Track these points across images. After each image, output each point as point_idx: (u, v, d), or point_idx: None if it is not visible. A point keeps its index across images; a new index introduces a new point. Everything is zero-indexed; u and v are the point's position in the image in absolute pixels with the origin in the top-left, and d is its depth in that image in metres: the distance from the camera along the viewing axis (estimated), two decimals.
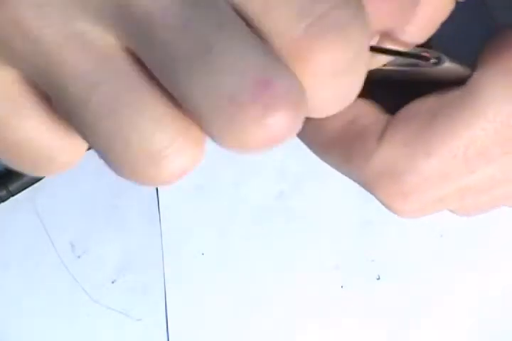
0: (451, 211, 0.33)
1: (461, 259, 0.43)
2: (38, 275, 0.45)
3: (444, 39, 0.29)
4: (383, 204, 0.31)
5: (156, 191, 0.45)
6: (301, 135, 0.32)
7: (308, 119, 0.31)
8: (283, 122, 0.20)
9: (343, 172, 0.32)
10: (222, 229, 0.44)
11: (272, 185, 0.44)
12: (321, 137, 0.31)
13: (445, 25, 0.28)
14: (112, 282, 0.45)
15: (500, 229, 0.43)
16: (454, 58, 0.28)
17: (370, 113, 0.31)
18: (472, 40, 0.34)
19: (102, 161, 0.46)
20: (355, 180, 0.31)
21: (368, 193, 0.43)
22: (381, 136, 0.30)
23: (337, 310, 0.44)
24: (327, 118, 0.30)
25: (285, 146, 0.45)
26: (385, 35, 0.27)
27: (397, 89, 0.32)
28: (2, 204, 0.44)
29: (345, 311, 0.44)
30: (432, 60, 0.28)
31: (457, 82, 0.29)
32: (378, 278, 0.44)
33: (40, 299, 0.46)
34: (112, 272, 0.45)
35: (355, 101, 0.31)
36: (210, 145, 0.45)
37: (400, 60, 0.28)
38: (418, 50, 0.29)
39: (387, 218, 0.43)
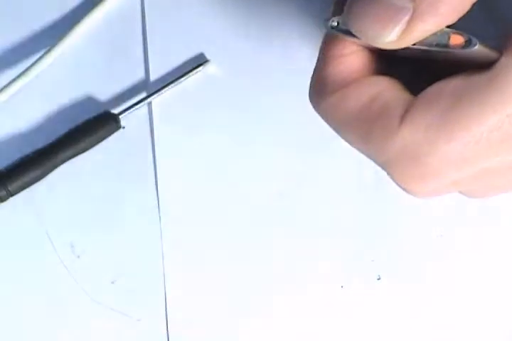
0: (464, 194, 0.32)
1: (461, 259, 0.43)
2: (38, 275, 0.45)
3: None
4: (399, 184, 0.31)
5: (156, 191, 0.45)
6: (321, 111, 0.32)
7: (329, 96, 0.31)
8: None
9: (361, 151, 0.31)
10: (222, 229, 0.44)
11: (273, 185, 0.44)
12: (341, 114, 0.31)
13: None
14: (112, 282, 0.45)
15: (500, 229, 0.43)
16: (483, 40, 0.28)
17: (393, 90, 0.30)
18: (481, 32, 0.34)
19: (101, 161, 0.46)
20: (372, 159, 0.31)
21: (369, 193, 0.43)
22: (403, 116, 0.29)
23: (337, 310, 0.44)
24: (349, 94, 0.30)
25: (286, 146, 0.45)
26: (417, 15, 0.27)
27: (421, 66, 0.32)
28: (2, 204, 0.44)
29: (345, 311, 0.44)
30: (463, 42, 0.28)
31: (482, 64, 0.29)
32: (378, 278, 0.44)
33: (40, 299, 0.46)
34: (112, 272, 0.45)
35: (379, 77, 0.31)
36: (210, 144, 0.46)
37: (430, 39, 0.28)
38: (448, 31, 0.28)
39: (387, 218, 0.43)
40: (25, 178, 0.44)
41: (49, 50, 0.44)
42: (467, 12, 0.28)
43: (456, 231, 0.43)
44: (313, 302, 0.44)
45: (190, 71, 0.44)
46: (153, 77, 0.44)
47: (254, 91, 0.43)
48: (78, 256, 0.45)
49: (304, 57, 0.42)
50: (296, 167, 0.44)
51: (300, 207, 0.44)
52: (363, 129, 0.30)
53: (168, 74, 0.44)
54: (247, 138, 0.44)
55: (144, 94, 0.44)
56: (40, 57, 0.44)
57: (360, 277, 0.44)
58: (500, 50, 0.29)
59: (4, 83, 0.44)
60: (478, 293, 0.43)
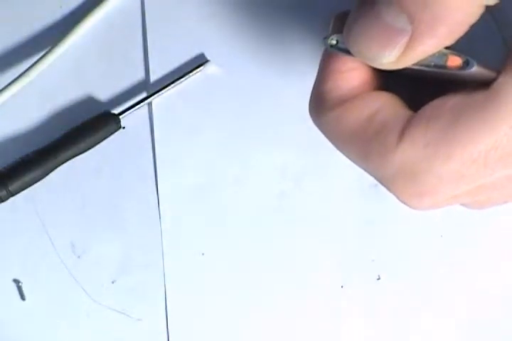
0: (462, 205, 0.33)
1: (460, 259, 0.43)
2: (38, 275, 0.45)
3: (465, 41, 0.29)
4: (398, 200, 0.31)
5: (156, 191, 0.45)
6: (321, 126, 0.32)
7: (329, 111, 0.31)
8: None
9: (360, 167, 0.32)
10: (222, 229, 0.44)
11: (273, 185, 0.44)
12: (341, 130, 0.31)
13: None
14: (112, 282, 0.45)
15: (500, 229, 0.43)
16: (480, 61, 0.28)
17: (393, 107, 0.31)
18: (492, 42, 0.33)
19: (101, 161, 0.46)
20: (371, 175, 0.31)
21: (369, 193, 0.43)
22: (402, 133, 0.29)
23: (337, 310, 0.44)
24: (348, 111, 0.31)
25: (286, 146, 0.45)
26: (415, 37, 0.27)
27: (420, 84, 0.32)
28: (2, 204, 0.44)
29: (345, 311, 0.44)
30: (460, 64, 0.28)
31: (480, 82, 0.29)
32: (378, 278, 0.44)
33: (40, 299, 0.46)
34: (112, 272, 0.45)
35: (378, 93, 0.31)
36: (210, 144, 0.46)
37: (428, 60, 0.29)
38: (446, 52, 0.29)
39: (387, 218, 0.43)
40: (26, 178, 0.44)
41: (50, 51, 0.44)
42: (465, 33, 0.28)
43: (456, 231, 0.43)
44: (313, 302, 0.44)
45: (190, 71, 0.44)
46: (153, 77, 0.44)
47: (254, 91, 0.43)
48: (78, 256, 0.45)
49: (303, 57, 0.42)
50: (296, 167, 0.44)
51: (300, 207, 0.44)
52: (362, 146, 0.31)
53: (168, 74, 0.44)
54: (246, 138, 0.44)
55: (144, 95, 0.44)
56: (41, 58, 0.44)
57: (360, 277, 0.44)
58: (498, 70, 0.29)
59: (5, 83, 0.44)
60: (478, 292, 0.43)
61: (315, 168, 0.44)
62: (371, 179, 0.32)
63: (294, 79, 0.42)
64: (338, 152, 0.34)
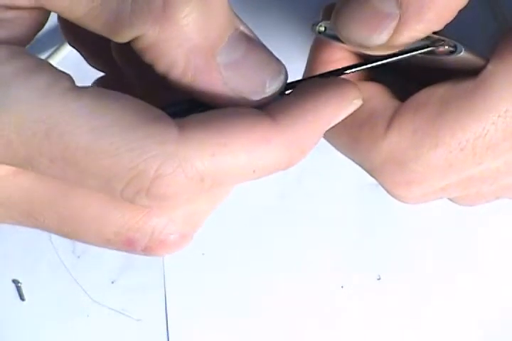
0: (451, 200, 0.33)
1: (461, 259, 0.43)
2: (38, 275, 0.45)
3: (456, 28, 0.28)
4: (386, 190, 0.31)
5: None
6: None
7: None
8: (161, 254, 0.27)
9: (348, 157, 0.32)
10: (222, 229, 0.44)
11: (273, 185, 0.44)
12: None
13: (458, 15, 0.28)
14: (112, 282, 0.45)
15: (500, 229, 0.43)
16: (469, 47, 0.28)
17: (381, 97, 0.30)
18: (484, 30, 0.33)
19: None
20: (360, 165, 0.31)
21: (369, 193, 0.43)
22: (390, 122, 0.29)
23: (337, 310, 0.44)
24: None
25: None
26: (403, 22, 0.27)
27: (409, 74, 0.32)
28: None
29: (345, 311, 0.44)
30: (448, 48, 0.28)
31: (469, 71, 0.29)
32: (378, 278, 0.44)
33: (40, 299, 0.46)
34: (112, 272, 0.45)
35: (367, 83, 0.31)
36: None
37: (415, 45, 0.28)
38: (434, 38, 0.28)
39: (387, 218, 0.43)
40: None
41: (52, 53, 0.44)
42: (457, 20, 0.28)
43: (456, 231, 0.43)
44: (314, 302, 0.44)
45: None
46: None
47: None
48: (78, 257, 0.45)
49: (298, 57, 0.42)
50: (296, 167, 0.44)
51: (301, 207, 0.44)
52: (350, 135, 0.30)
53: None
54: None
55: None
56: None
57: (360, 277, 0.44)
58: (487, 57, 0.29)
59: None
60: (477, 292, 0.43)
61: (315, 168, 0.44)
62: (371, 179, 0.32)
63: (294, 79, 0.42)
64: (338, 152, 0.34)
